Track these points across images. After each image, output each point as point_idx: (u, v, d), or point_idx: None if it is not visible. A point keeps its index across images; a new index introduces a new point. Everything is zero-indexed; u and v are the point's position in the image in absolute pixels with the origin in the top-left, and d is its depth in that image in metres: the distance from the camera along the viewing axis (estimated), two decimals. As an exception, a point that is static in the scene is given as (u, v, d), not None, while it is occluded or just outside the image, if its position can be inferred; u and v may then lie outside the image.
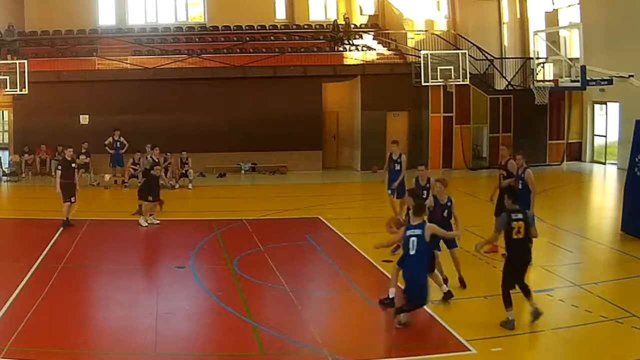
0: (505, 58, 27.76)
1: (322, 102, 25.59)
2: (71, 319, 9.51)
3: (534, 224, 9.13)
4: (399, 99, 25.03)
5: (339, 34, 26.59)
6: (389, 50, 26.98)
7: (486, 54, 25.97)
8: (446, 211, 10.88)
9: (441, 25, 28.41)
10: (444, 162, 25.34)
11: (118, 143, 22.32)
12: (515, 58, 27.11)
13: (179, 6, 28.71)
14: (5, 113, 26.98)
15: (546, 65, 22.58)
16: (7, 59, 23.47)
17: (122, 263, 12.71)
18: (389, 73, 25.07)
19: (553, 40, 22.17)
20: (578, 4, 25.05)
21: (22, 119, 24.09)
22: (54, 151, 22.90)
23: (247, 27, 27.51)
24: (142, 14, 28.35)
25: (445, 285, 9.96)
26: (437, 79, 24.41)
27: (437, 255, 10.25)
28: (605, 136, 25.55)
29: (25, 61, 22.95)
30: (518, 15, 28.15)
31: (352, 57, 25.98)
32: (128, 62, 24.84)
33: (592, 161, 25.83)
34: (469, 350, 8.29)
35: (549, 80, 21.89)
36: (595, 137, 26.07)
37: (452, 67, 24.46)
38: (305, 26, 28.13)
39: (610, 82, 19.24)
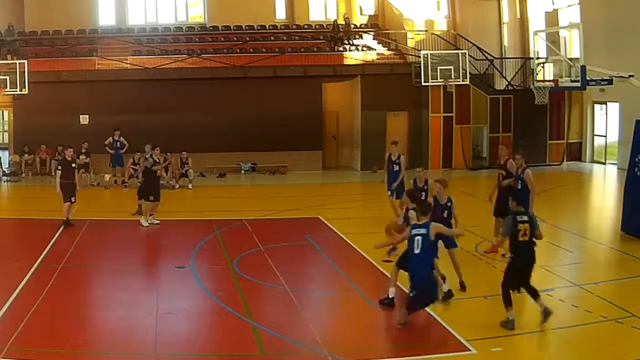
0: (505, 58, 27.77)
1: (322, 102, 25.59)
2: (71, 319, 9.51)
3: (538, 226, 9.09)
4: (399, 99, 25.03)
5: (339, 34, 26.60)
6: (389, 50, 26.98)
7: (486, 54, 25.97)
8: (446, 212, 10.88)
9: (441, 25, 28.41)
10: (444, 162, 25.34)
11: (118, 143, 22.33)
12: (515, 58, 27.12)
13: (179, 6, 28.71)
14: (5, 113, 26.98)
15: (546, 65, 22.59)
16: (7, 59, 23.47)
17: (122, 263, 12.70)
18: (389, 73, 25.08)
19: (553, 40, 22.18)
20: (578, 4, 25.05)
21: (22, 119, 24.09)
22: (54, 151, 22.90)
23: (247, 27, 27.51)
24: (142, 14, 28.35)
25: (445, 285, 9.96)
26: (437, 79, 24.41)
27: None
28: (605, 136, 25.55)
29: (25, 61, 22.95)
30: (518, 15, 28.15)
31: (352, 57, 25.98)
32: (128, 62, 24.84)
33: (592, 161, 25.83)
34: (469, 350, 8.28)
35: (549, 80, 21.90)
36: (595, 137, 26.07)
37: (452, 67, 24.46)
38: (305, 26, 28.13)
39: (610, 82, 19.25)
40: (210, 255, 13.25)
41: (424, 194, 12.30)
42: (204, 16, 28.53)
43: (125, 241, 14.62)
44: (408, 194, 10.95)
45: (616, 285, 11.02)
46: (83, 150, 21.80)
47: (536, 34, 23.50)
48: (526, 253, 8.98)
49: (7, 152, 25.56)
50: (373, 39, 27.62)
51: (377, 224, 13.88)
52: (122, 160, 22.14)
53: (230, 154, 24.41)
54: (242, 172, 24.67)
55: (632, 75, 18.34)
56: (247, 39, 26.62)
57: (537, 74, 22.85)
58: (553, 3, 26.70)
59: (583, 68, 19.36)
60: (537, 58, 23.30)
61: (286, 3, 29.01)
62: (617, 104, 24.03)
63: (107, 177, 22.36)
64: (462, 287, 10.44)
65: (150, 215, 15.73)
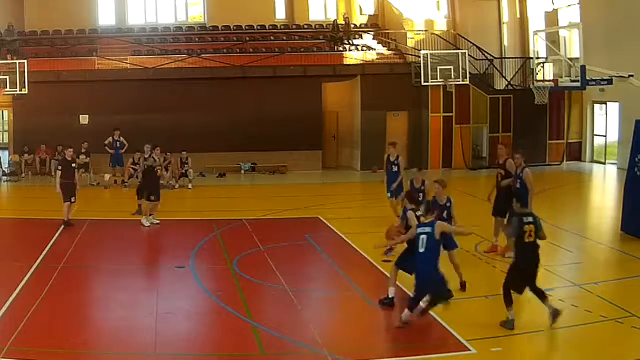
0: (505, 58, 27.77)
1: (322, 102, 25.59)
2: (71, 319, 9.51)
3: (542, 227, 9.08)
4: (399, 99, 25.03)
5: (339, 34, 26.60)
6: (389, 50, 26.99)
7: (486, 54, 25.97)
8: (446, 212, 10.88)
9: (441, 25, 28.41)
10: (444, 162, 25.34)
11: (118, 143, 22.33)
12: (515, 58, 27.12)
13: (179, 6, 28.71)
14: (5, 113, 26.98)
15: (546, 65, 22.58)
16: (7, 59, 23.48)
17: (122, 263, 12.70)
18: (389, 73, 25.08)
19: (553, 40, 22.17)
20: (578, 4, 25.06)
21: (22, 119, 24.09)
22: (54, 151, 22.90)
23: (247, 27, 27.51)
24: (142, 14, 28.35)
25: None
26: (437, 79, 24.40)
27: None
28: (605, 136, 25.55)
29: (25, 61, 22.95)
30: (518, 15, 28.15)
31: (352, 57, 25.98)
32: (128, 62, 24.84)
33: (592, 161, 25.83)
34: (469, 350, 8.28)
35: (549, 80, 21.89)
36: (595, 137, 26.07)
37: (452, 67, 24.45)
38: (305, 26, 28.13)
39: (610, 82, 19.24)
40: (210, 255, 13.25)
41: (421, 194, 12.30)
42: (204, 16, 28.54)
43: (125, 241, 14.62)
44: (407, 196, 10.98)
45: (616, 285, 11.02)
46: (83, 150, 21.80)
47: (536, 34, 23.49)
48: (532, 254, 8.96)
49: (7, 152, 25.56)
50: (373, 39, 27.62)
51: (377, 224, 13.91)
52: (122, 160, 22.14)
53: (230, 154, 24.41)
54: (242, 172, 24.67)
55: (632, 75, 18.33)
56: (247, 39, 26.62)
57: (537, 74, 22.84)
58: (553, 3, 26.71)
59: (583, 68, 19.36)
60: (537, 58, 23.28)
61: (286, 3, 29.01)
62: (617, 104, 24.03)
63: (107, 177, 22.36)
64: (463, 287, 10.43)
65: (151, 215, 15.73)
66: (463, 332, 8.73)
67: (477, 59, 25.72)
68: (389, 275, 10.13)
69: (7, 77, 22.58)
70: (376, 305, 9.82)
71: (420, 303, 8.94)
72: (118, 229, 15.75)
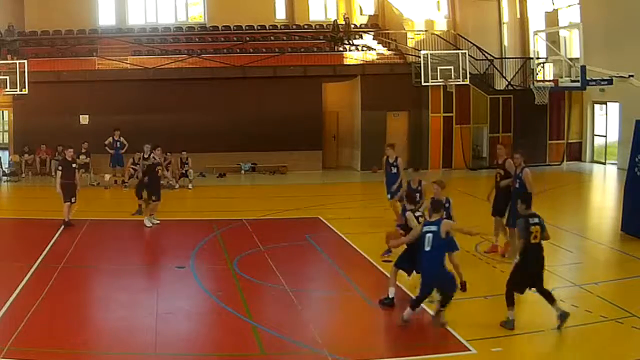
0: (505, 58, 27.77)
1: (322, 102, 25.59)
2: (71, 319, 9.51)
3: (545, 227, 9.07)
4: (399, 99, 25.03)
5: (339, 34, 26.60)
6: (389, 50, 26.99)
7: (486, 54, 25.97)
8: (445, 212, 10.86)
9: (441, 25, 28.42)
10: (444, 162, 25.34)
11: (118, 143, 22.33)
12: (515, 58, 27.12)
13: (179, 6, 28.71)
14: (5, 113, 26.99)
15: (546, 65, 22.58)
16: (7, 59, 23.48)
17: (122, 263, 12.70)
18: (389, 73, 25.07)
19: (553, 40, 22.17)
20: (578, 4, 25.06)
21: (22, 119, 24.09)
22: (54, 151, 22.90)
23: (247, 27, 27.51)
24: (142, 14, 28.36)
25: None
26: (437, 79, 24.41)
27: None
28: (605, 136, 25.55)
29: (25, 61, 22.96)
30: (518, 15, 28.15)
31: (352, 57, 25.98)
32: (128, 62, 24.84)
33: (592, 161, 25.83)
34: (469, 350, 8.29)
35: (549, 80, 21.89)
36: (595, 137, 26.07)
37: (452, 67, 24.45)
38: (305, 26, 28.13)
39: (610, 82, 19.24)
40: (210, 255, 13.24)
41: (418, 195, 12.30)
42: (204, 16, 28.54)
43: (125, 241, 14.64)
44: (406, 197, 10.98)
45: (616, 285, 11.02)
46: (83, 150, 21.81)
47: (536, 34, 23.50)
48: (537, 255, 8.95)
49: (7, 152, 25.56)
50: (373, 39, 27.62)
51: (377, 224, 13.93)
52: (122, 160, 22.14)
53: (230, 154, 24.41)
54: (242, 172, 24.67)
55: (632, 75, 18.34)
56: (247, 39, 26.62)
57: (537, 74, 22.84)
58: (553, 3, 26.71)
59: (583, 68, 19.36)
60: (537, 58, 23.28)
61: (286, 3, 29.01)
62: (617, 104, 24.03)
63: (107, 177, 22.36)
64: (463, 287, 10.42)
65: (151, 215, 15.73)
66: (463, 332, 8.73)
67: (477, 59, 25.72)
68: (389, 275, 10.13)
69: (7, 77, 22.58)
70: (376, 305, 9.83)
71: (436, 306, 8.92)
72: (118, 229, 15.76)
